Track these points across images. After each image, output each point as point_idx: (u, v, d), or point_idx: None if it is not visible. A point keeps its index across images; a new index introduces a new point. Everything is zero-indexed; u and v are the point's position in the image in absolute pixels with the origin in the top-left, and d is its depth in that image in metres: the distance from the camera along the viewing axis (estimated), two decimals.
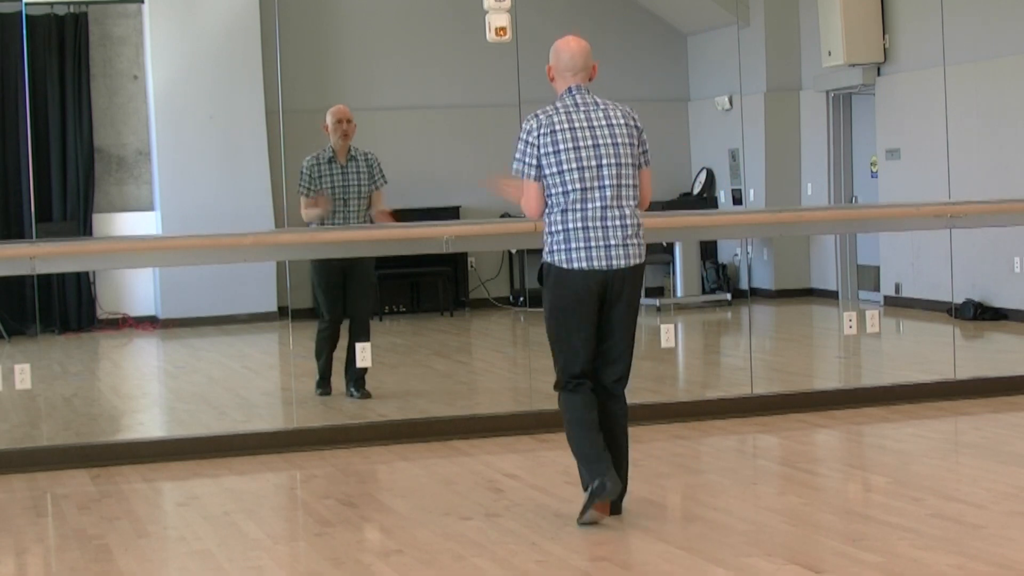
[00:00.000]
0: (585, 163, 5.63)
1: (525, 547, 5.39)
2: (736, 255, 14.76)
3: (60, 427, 8.34)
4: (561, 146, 5.63)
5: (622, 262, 5.65)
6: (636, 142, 5.73)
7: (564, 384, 5.73)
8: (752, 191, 14.69)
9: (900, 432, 7.64)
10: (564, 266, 5.65)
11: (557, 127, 5.65)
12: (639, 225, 5.71)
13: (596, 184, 5.63)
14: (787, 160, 14.68)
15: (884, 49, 13.27)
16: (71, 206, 13.65)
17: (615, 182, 5.65)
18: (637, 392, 8.76)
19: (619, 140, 5.68)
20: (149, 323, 13.68)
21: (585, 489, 5.62)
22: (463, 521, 5.78)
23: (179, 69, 13.83)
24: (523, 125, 5.73)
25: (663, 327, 9.31)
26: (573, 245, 5.63)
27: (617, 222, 5.65)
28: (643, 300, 14.09)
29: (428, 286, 14.05)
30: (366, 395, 8.80)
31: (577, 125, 5.66)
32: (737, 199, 14.80)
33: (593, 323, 5.68)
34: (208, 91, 13.81)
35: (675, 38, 15.64)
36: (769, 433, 7.68)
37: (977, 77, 11.95)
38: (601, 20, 15.17)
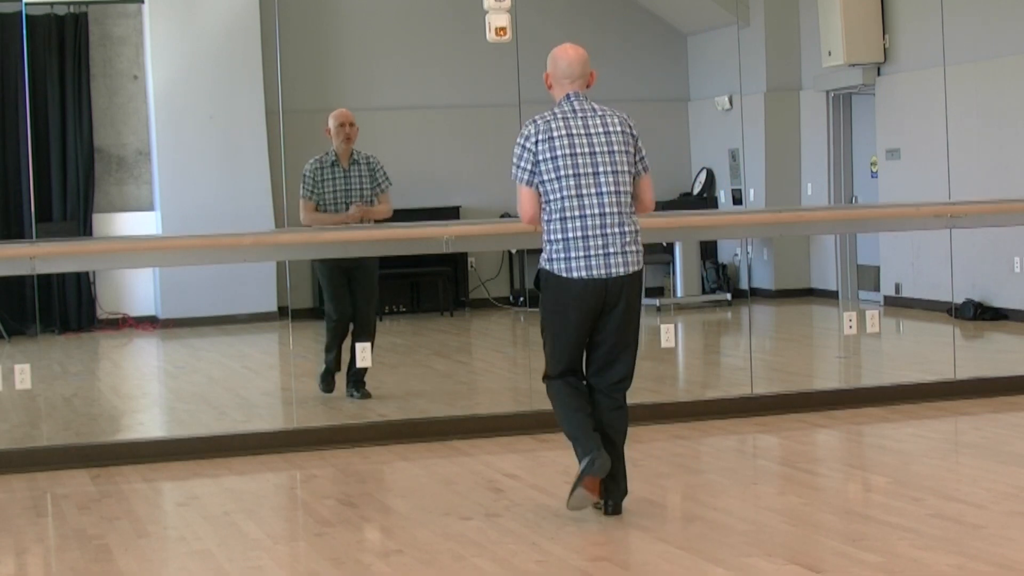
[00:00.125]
0: (582, 170, 5.66)
1: (525, 547, 5.39)
2: (736, 255, 14.76)
3: (60, 427, 8.34)
4: (559, 152, 5.65)
5: (621, 269, 5.67)
6: (632, 149, 5.76)
7: (553, 375, 5.80)
8: (752, 191, 14.69)
9: (900, 432, 7.64)
10: (563, 275, 5.67)
11: (555, 133, 5.68)
12: (637, 231, 5.74)
13: (593, 191, 5.65)
14: (787, 160, 14.68)
15: (884, 49, 13.27)
16: (71, 206, 13.66)
17: (612, 189, 5.67)
18: (637, 392, 8.74)
19: (615, 148, 5.70)
20: (149, 323, 13.68)
21: (576, 454, 5.71)
22: (463, 521, 5.78)
23: (179, 69, 13.83)
24: (521, 130, 5.75)
25: (663, 327, 9.31)
26: (572, 254, 5.65)
27: (616, 229, 5.67)
28: (643, 300, 14.16)
29: (428, 286, 14.05)
30: (366, 395, 8.80)
31: (575, 132, 5.69)
32: (737, 199, 14.80)
33: (588, 330, 5.72)
34: (208, 91, 13.81)
35: (675, 38, 15.64)
36: (769, 433, 7.68)
37: (977, 77, 11.95)
38: (601, 20, 15.17)
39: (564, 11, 14.77)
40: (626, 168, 5.72)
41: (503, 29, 8.17)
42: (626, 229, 5.69)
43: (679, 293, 14.25)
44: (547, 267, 5.73)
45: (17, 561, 5.53)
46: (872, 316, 9.75)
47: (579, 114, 5.72)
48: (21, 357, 10.35)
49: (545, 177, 5.67)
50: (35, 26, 13.38)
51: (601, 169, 5.67)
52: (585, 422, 5.72)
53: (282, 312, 12.89)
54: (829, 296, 13.97)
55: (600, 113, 5.75)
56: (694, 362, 11.13)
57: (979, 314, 11.99)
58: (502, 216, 11.00)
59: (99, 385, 10.78)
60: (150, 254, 8.32)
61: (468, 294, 14.39)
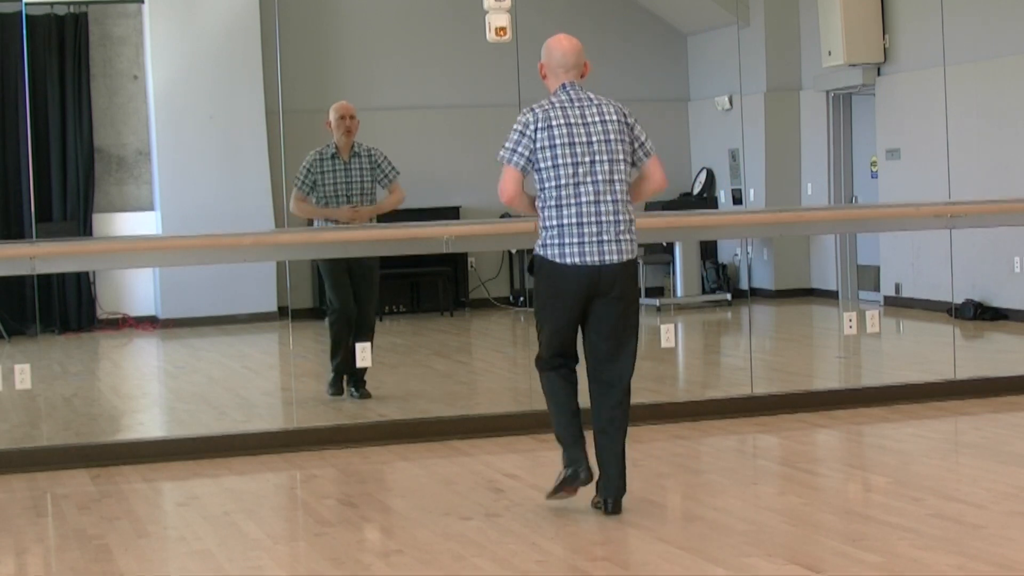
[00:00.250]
0: (579, 158, 5.72)
1: (525, 547, 5.39)
2: (736, 255, 14.76)
3: (60, 427, 8.34)
4: (557, 141, 5.72)
5: (614, 257, 5.73)
6: (628, 138, 5.81)
7: (547, 362, 5.85)
8: (752, 191, 14.69)
9: (900, 432, 7.64)
10: (557, 260, 5.74)
11: (553, 122, 5.74)
12: (631, 221, 5.80)
13: (589, 179, 5.73)
14: (787, 160, 14.68)
15: (884, 49, 13.27)
16: (71, 206, 13.65)
17: (607, 177, 5.74)
18: (637, 392, 8.73)
19: (612, 136, 5.77)
20: (149, 323, 13.68)
21: (563, 459, 5.80)
22: (463, 521, 5.78)
23: (179, 69, 13.83)
24: (519, 118, 5.81)
25: (663, 327, 9.31)
26: (567, 240, 5.72)
27: (610, 217, 5.73)
28: (643, 300, 14.18)
29: (428, 286, 14.05)
30: (366, 395, 8.80)
31: (572, 121, 5.76)
32: (737, 199, 14.80)
33: (580, 315, 5.79)
34: (208, 91, 13.81)
35: (675, 38, 15.64)
36: (769, 433, 7.68)
37: (977, 77, 11.95)
38: (601, 20, 15.17)
39: (564, 11, 14.76)
40: (622, 157, 5.78)
41: (503, 29, 8.18)
42: (620, 218, 5.75)
43: (679, 293, 14.25)
44: (541, 252, 5.81)
45: (17, 561, 5.53)
46: (872, 316, 9.75)
47: (576, 103, 5.79)
48: (21, 357, 10.35)
49: (542, 165, 5.74)
50: (35, 26, 13.37)
51: (597, 158, 5.74)
52: (575, 428, 5.81)
53: (282, 312, 12.88)
54: (829, 296, 13.97)
55: (596, 103, 5.82)
56: (694, 362, 11.13)
57: (979, 314, 11.99)
58: (502, 216, 10.99)
59: (99, 385, 10.78)
60: (150, 254, 8.32)
61: (468, 294, 14.39)
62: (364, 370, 8.75)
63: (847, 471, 6.89)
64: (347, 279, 8.75)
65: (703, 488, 6.38)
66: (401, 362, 11.00)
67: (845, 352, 10.82)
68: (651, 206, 14.58)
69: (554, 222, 5.74)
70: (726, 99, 14.74)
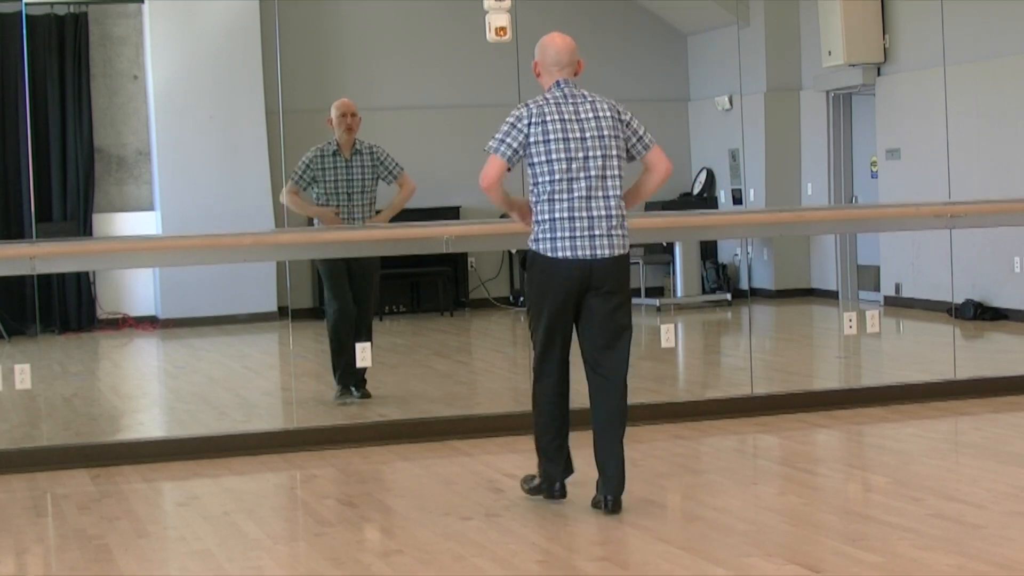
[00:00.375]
0: (573, 154, 5.78)
1: (525, 547, 5.39)
2: (736, 255, 14.76)
3: (60, 427, 8.34)
4: (551, 136, 5.77)
5: (606, 252, 5.78)
6: (622, 134, 5.86)
7: (541, 372, 5.90)
8: (752, 191, 14.69)
9: (900, 432, 7.64)
10: (549, 254, 5.79)
11: (547, 117, 5.80)
12: (623, 216, 5.85)
13: (581, 174, 5.78)
14: (787, 160, 14.68)
15: (884, 49, 13.27)
16: (71, 206, 13.65)
17: (600, 173, 5.80)
18: (637, 392, 8.75)
19: (605, 132, 5.82)
20: (149, 323, 13.68)
21: (538, 469, 5.98)
22: (463, 521, 5.78)
23: (179, 69, 13.83)
24: (513, 111, 5.86)
25: (663, 327, 9.31)
26: (559, 234, 5.77)
27: (602, 212, 5.78)
28: (643, 300, 14.20)
29: (428, 286, 14.05)
30: (366, 395, 8.79)
31: (566, 117, 5.81)
32: (737, 199, 14.80)
33: (573, 310, 5.84)
34: (208, 91, 13.81)
35: (675, 38, 15.64)
36: (769, 433, 7.68)
37: (977, 77, 11.95)
38: (601, 20, 15.17)
39: (564, 11, 14.74)
40: (615, 153, 5.83)
41: (503, 29, 8.18)
42: (612, 213, 5.80)
43: (679, 293, 14.25)
44: (534, 247, 5.86)
45: (17, 561, 5.53)
46: (872, 316, 9.75)
47: (570, 100, 5.85)
48: (21, 357, 10.35)
49: (535, 160, 5.80)
50: (35, 26, 13.37)
51: (591, 154, 5.79)
52: (560, 444, 5.93)
53: (282, 312, 12.88)
54: (829, 296, 13.97)
55: (590, 99, 5.88)
56: (694, 362, 11.13)
57: (979, 314, 11.99)
58: (502, 216, 10.99)
59: (99, 385, 10.78)
60: (150, 254, 8.32)
61: (468, 294, 14.38)
62: (364, 370, 8.74)
63: (847, 471, 6.89)
64: (346, 280, 8.73)
65: (703, 488, 6.38)
66: (401, 362, 11.00)
67: (845, 352, 10.82)
68: (651, 206, 14.59)
69: (546, 216, 5.79)
70: (726, 99, 14.74)
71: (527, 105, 5.85)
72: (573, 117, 5.81)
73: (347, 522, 5.91)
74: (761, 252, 14.63)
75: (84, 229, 13.49)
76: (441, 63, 14.56)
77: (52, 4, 13.63)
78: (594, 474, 5.87)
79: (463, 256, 14.08)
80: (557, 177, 5.77)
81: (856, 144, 14.18)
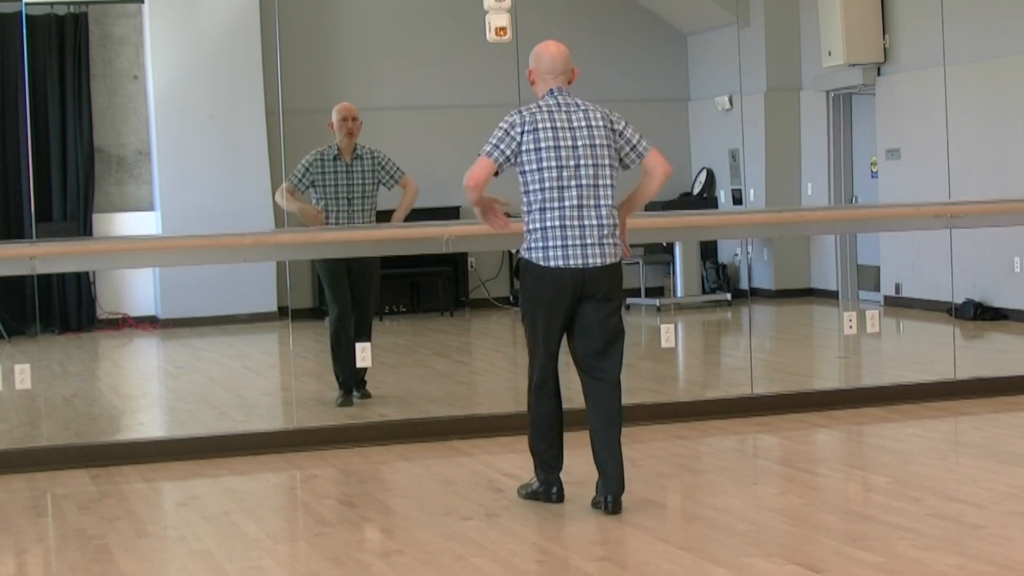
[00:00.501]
0: (564, 162, 5.80)
1: (525, 547, 5.40)
2: (736, 255, 14.76)
3: (60, 427, 8.34)
4: (543, 144, 5.80)
5: (597, 260, 5.81)
6: (615, 143, 5.88)
7: (536, 382, 5.93)
8: (752, 191, 14.69)
9: (900, 432, 7.64)
10: (541, 263, 5.82)
11: (539, 125, 5.82)
12: (615, 225, 5.87)
13: (573, 183, 5.80)
14: (787, 160, 14.69)
15: (884, 49, 13.27)
16: (71, 206, 13.66)
17: (591, 182, 5.82)
18: (637, 392, 8.77)
19: (597, 141, 5.84)
20: (149, 323, 13.68)
21: (535, 473, 6.00)
22: (463, 521, 5.79)
23: (179, 69, 13.83)
24: (505, 117, 5.89)
25: (663, 327, 9.31)
26: (550, 243, 5.80)
27: (593, 221, 5.81)
28: (643, 300, 14.18)
29: (428, 286, 14.05)
30: (366, 395, 8.79)
31: (559, 125, 5.84)
32: (737, 199, 14.80)
33: (567, 318, 5.87)
34: (208, 91, 13.81)
35: (675, 38, 15.65)
36: (769, 433, 7.68)
37: (977, 77, 11.95)
38: (601, 20, 15.17)
39: (564, 11, 14.77)
40: (607, 162, 5.85)
41: (503, 29, 8.18)
42: (604, 222, 5.82)
43: (679, 293, 14.25)
44: (527, 256, 5.89)
45: (17, 561, 5.53)
46: (872, 316, 9.75)
47: (563, 108, 5.87)
48: (21, 357, 10.35)
49: (527, 168, 5.82)
50: (35, 26, 13.37)
51: (582, 162, 5.81)
52: (556, 451, 5.97)
53: (282, 312, 12.89)
54: (829, 296, 13.97)
55: (583, 108, 5.90)
56: (694, 362, 11.13)
57: (979, 314, 11.99)
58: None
59: (99, 385, 10.78)
60: (150, 254, 8.32)
61: (468, 294, 14.39)
62: (364, 370, 8.74)
63: (847, 471, 6.89)
64: (346, 282, 8.69)
65: (703, 488, 6.38)
66: (401, 362, 11.00)
67: (845, 352, 10.82)
68: (651, 206, 14.55)
69: (538, 225, 5.81)
70: (726, 99, 14.75)
71: (520, 112, 5.87)
72: (565, 125, 5.83)
73: (347, 522, 5.91)
74: (761, 252, 14.63)
75: (84, 229, 13.50)
76: (441, 63, 14.56)
77: (52, 4, 13.63)
78: (593, 474, 5.87)
79: (463, 256, 14.09)
80: (548, 185, 5.79)
81: (856, 144, 14.18)
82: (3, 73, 13.38)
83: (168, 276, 13.41)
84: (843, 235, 13.39)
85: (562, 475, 6.02)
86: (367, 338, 8.66)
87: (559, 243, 5.78)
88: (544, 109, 5.86)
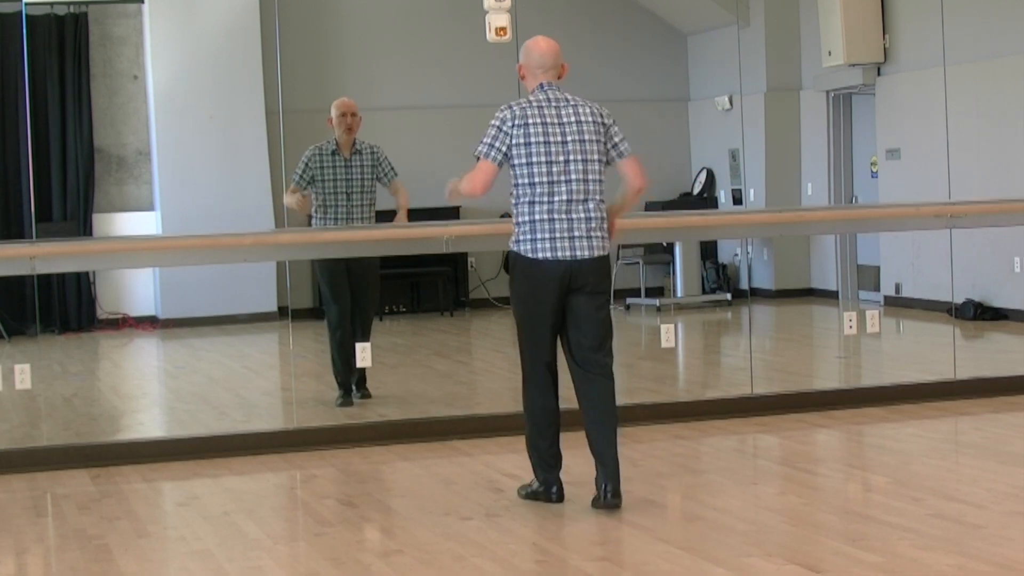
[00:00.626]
0: (554, 157, 5.84)
1: (525, 547, 5.40)
2: (736, 255, 14.76)
3: (60, 427, 8.34)
4: (532, 139, 5.84)
5: (585, 253, 5.85)
6: (604, 139, 5.92)
7: (530, 375, 5.97)
8: (752, 191, 14.69)
9: (900, 432, 7.64)
10: (529, 255, 5.86)
11: (530, 120, 5.86)
12: (603, 219, 5.91)
13: (563, 178, 5.84)
14: (787, 160, 14.69)
15: (884, 49, 13.27)
16: (71, 206, 13.66)
17: (581, 177, 5.85)
18: (637, 392, 8.78)
19: (587, 137, 5.88)
20: (149, 323, 13.69)
21: (535, 474, 6.00)
22: (463, 521, 5.79)
23: (179, 69, 13.83)
24: (497, 114, 5.93)
25: (663, 327, 9.31)
26: (539, 235, 5.84)
27: (582, 215, 5.85)
28: (643, 300, 14.17)
29: (428, 286, 14.05)
30: (366, 395, 8.79)
31: (548, 120, 5.87)
32: (737, 199, 14.81)
33: (556, 311, 5.89)
34: (208, 91, 13.82)
35: (675, 38, 15.65)
36: (769, 433, 7.68)
37: (977, 77, 11.95)
38: (601, 20, 15.17)
39: (564, 11, 14.77)
40: (596, 157, 5.89)
41: (503, 29, 8.18)
42: (592, 215, 5.86)
43: (679, 293, 14.25)
44: (515, 248, 5.93)
45: (17, 561, 5.53)
46: (872, 316, 9.75)
47: (553, 103, 5.91)
48: (21, 357, 10.35)
49: (516, 162, 5.86)
50: (35, 26, 13.37)
51: (572, 157, 5.85)
52: (555, 450, 5.97)
53: (282, 312, 12.88)
54: (829, 296, 13.97)
55: (573, 103, 5.93)
56: (694, 362, 11.13)
57: (979, 314, 11.99)
58: (502, 216, 10.98)
59: (99, 385, 10.78)
60: (150, 254, 8.32)
61: (468, 294, 14.38)
62: (364, 369, 8.73)
63: (847, 471, 6.89)
64: (346, 283, 8.66)
65: (703, 488, 6.38)
66: (401, 362, 10.99)
67: (845, 352, 10.82)
68: (651, 206, 14.61)
69: (527, 218, 5.85)
70: (726, 99, 14.75)
71: (510, 107, 5.90)
72: (555, 120, 5.86)
73: (347, 522, 5.91)
74: (761, 252, 14.63)
75: (84, 229, 13.50)
76: (441, 63, 14.56)
77: (52, 4, 13.63)
78: (592, 474, 5.87)
79: (463, 256, 14.09)
80: (538, 180, 5.82)
81: (856, 144, 14.18)
82: (3, 73, 13.39)
83: (168, 276, 13.42)
84: (843, 235, 13.40)
85: (562, 475, 6.02)
86: (367, 338, 8.65)
87: (547, 235, 5.81)
88: (534, 104, 5.89)
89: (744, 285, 14.25)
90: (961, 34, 11.58)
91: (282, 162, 10.07)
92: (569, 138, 5.84)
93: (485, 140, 5.89)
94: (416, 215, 11.79)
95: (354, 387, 8.76)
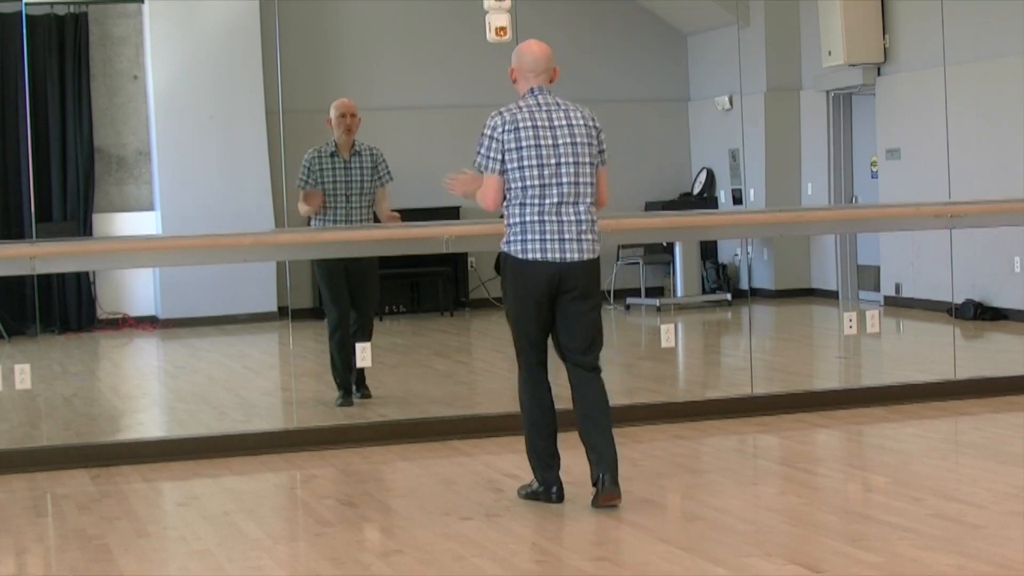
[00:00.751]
0: (545, 160, 5.85)
1: (525, 547, 5.40)
2: (736, 255, 14.76)
3: (60, 427, 8.34)
4: (523, 143, 5.85)
5: (575, 256, 5.87)
6: (595, 142, 5.95)
7: (523, 374, 6.05)
8: (752, 191, 14.69)
9: (900, 432, 7.64)
10: (519, 256, 5.89)
11: (520, 124, 5.87)
12: (593, 222, 5.94)
13: (554, 181, 5.86)
14: (787, 160, 14.69)
15: (884, 49, 13.27)
16: (71, 206, 13.66)
17: (572, 179, 5.87)
18: (637, 392, 8.78)
19: (578, 140, 5.90)
20: (149, 323, 13.68)
21: (535, 475, 6.01)
22: (463, 521, 5.79)
23: (179, 69, 13.83)
24: (487, 122, 5.95)
25: (663, 327, 9.32)
26: (529, 237, 5.86)
27: (572, 217, 5.87)
28: (643, 300, 14.16)
29: (428, 286, 14.05)
30: (366, 395, 8.78)
31: (539, 124, 5.89)
32: (737, 199, 14.80)
33: (547, 311, 5.93)
34: (208, 91, 13.81)
35: (675, 38, 15.64)
36: (769, 433, 7.68)
37: (977, 77, 11.95)
38: (601, 20, 15.17)
39: (564, 11, 14.77)
40: (587, 160, 5.91)
41: (503, 29, 8.18)
42: (583, 218, 5.89)
43: (679, 293, 14.24)
44: (505, 249, 5.96)
45: (17, 561, 5.53)
46: (872, 316, 9.75)
47: (543, 107, 5.93)
48: (21, 357, 10.35)
49: (508, 166, 5.88)
50: (35, 26, 13.37)
51: (563, 160, 5.86)
52: (553, 448, 5.99)
53: (282, 312, 12.88)
54: (829, 296, 13.97)
55: (564, 107, 5.95)
56: (694, 362, 11.13)
57: (979, 314, 11.99)
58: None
59: (99, 385, 10.78)
60: (150, 254, 8.32)
61: (468, 294, 14.38)
62: (363, 369, 8.71)
63: (847, 471, 6.89)
64: (345, 285, 8.65)
65: (703, 488, 6.38)
66: (401, 362, 10.99)
67: (845, 352, 10.82)
68: (651, 206, 14.62)
69: (517, 219, 5.88)
70: (726, 99, 14.75)
71: (500, 113, 5.92)
72: (546, 124, 5.88)
73: (347, 522, 5.91)
74: (761, 252, 14.63)
75: (84, 229, 13.50)
76: (441, 63, 14.56)
77: (52, 4, 13.63)
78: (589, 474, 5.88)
79: (463, 256, 14.09)
80: (529, 183, 5.83)
81: (856, 144, 14.18)
82: (3, 73, 13.39)
83: (168, 276, 13.41)
84: (843, 235, 13.40)
85: (562, 475, 6.02)
86: (368, 339, 8.64)
87: (537, 237, 5.83)
88: (524, 108, 5.90)
89: (744, 285, 14.25)
90: (961, 34, 11.58)
91: (282, 162, 10.08)
92: (560, 141, 5.86)
93: (480, 151, 5.91)
94: (416, 215, 11.79)
95: (354, 387, 8.75)
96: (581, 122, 5.91)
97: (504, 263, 5.97)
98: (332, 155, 8.65)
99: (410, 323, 13.61)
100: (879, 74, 13.39)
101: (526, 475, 6.21)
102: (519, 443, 7.18)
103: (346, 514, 6.06)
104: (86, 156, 13.69)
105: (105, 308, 13.74)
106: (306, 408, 8.55)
